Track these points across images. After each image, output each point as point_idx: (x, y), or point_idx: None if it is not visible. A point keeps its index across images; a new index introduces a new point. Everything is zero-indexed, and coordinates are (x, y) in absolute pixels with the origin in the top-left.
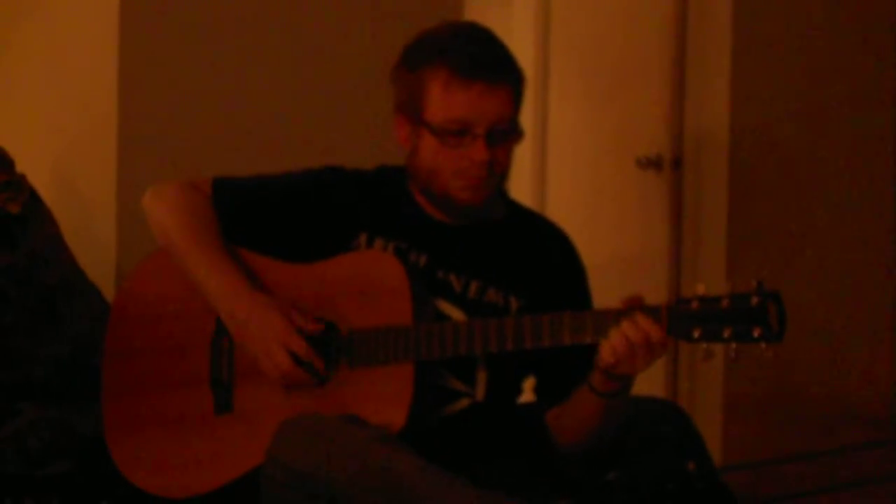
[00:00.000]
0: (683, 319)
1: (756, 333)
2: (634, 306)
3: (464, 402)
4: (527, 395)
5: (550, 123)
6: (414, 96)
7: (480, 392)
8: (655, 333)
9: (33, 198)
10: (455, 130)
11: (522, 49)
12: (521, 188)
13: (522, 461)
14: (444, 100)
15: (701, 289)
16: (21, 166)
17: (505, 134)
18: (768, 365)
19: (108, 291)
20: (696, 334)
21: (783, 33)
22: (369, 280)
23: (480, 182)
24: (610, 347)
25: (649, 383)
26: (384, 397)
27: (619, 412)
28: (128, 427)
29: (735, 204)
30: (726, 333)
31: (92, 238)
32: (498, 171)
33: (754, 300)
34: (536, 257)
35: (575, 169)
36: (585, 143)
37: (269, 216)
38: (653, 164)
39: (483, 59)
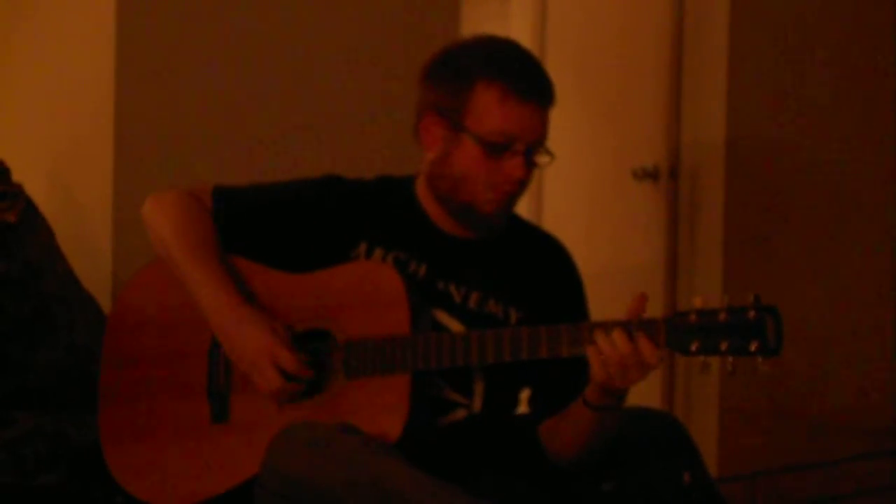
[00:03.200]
0: (681, 332)
1: (753, 347)
2: (633, 320)
3: (461, 414)
4: (523, 407)
5: (547, 133)
6: (459, 103)
7: (478, 403)
8: (648, 351)
9: (29, 207)
10: (499, 143)
11: None
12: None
13: (519, 473)
14: (497, 113)
15: (699, 302)
16: (17, 175)
17: (538, 154)
18: (764, 376)
19: (105, 301)
20: (693, 347)
21: (779, 44)
22: (367, 290)
23: (509, 198)
24: (601, 363)
25: (645, 394)
26: (381, 407)
27: (612, 429)
28: (124, 436)
29: (731, 214)
30: (723, 347)
31: (88, 247)
32: (524, 189)
33: (752, 314)
34: (536, 270)
35: (572, 180)
36: (582, 154)
37: (268, 225)
38: (649, 174)
39: (538, 82)
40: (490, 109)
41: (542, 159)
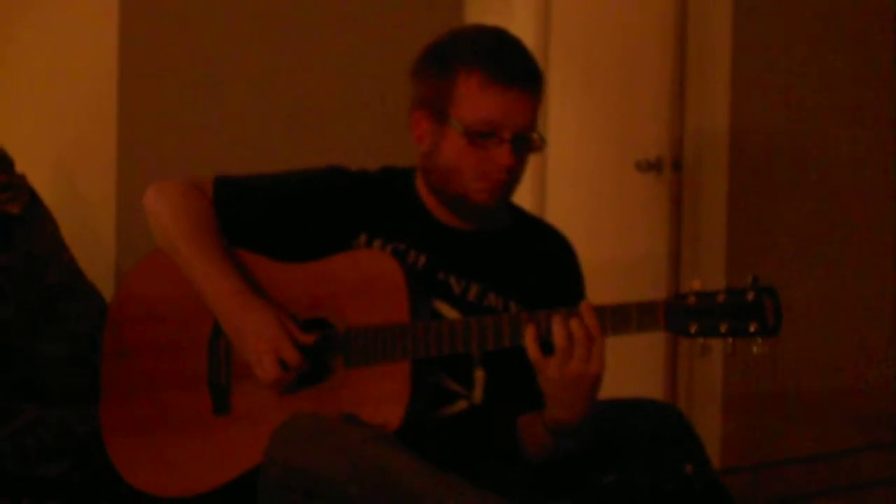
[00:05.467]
0: (680, 314)
1: (752, 328)
2: (629, 304)
3: (461, 405)
4: None
5: (551, 126)
6: (442, 94)
7: (478, 394)
8: (577, 328)
9: (33, 198)
10: (484, 132)
11: None
12: (521, 191)
13: (520, 464)
14: (479, 100)
15: (697, 284)
16: (21, 166)
17: (528, 141)
18: (767, 365)
19: (108, 291)
20: (692, 329)
21: (783, 36)
22: (366, 278)
23: (499, 186)
24: (557, 364)
25: (648, 384)
26: (381, 396)
27: (573, 448)
28: (125, 428)
29: (735, 206)
30: (723, 328)
31: (91, 238)
32: (516, 177)
33: (750, 295)
34: (537, 264)
35: (575, 172)
36: (586, 146)
37: (269, 215)
38: (653, 166)
39: (521, 67)
40: (472, 98)
41: (534, 145)
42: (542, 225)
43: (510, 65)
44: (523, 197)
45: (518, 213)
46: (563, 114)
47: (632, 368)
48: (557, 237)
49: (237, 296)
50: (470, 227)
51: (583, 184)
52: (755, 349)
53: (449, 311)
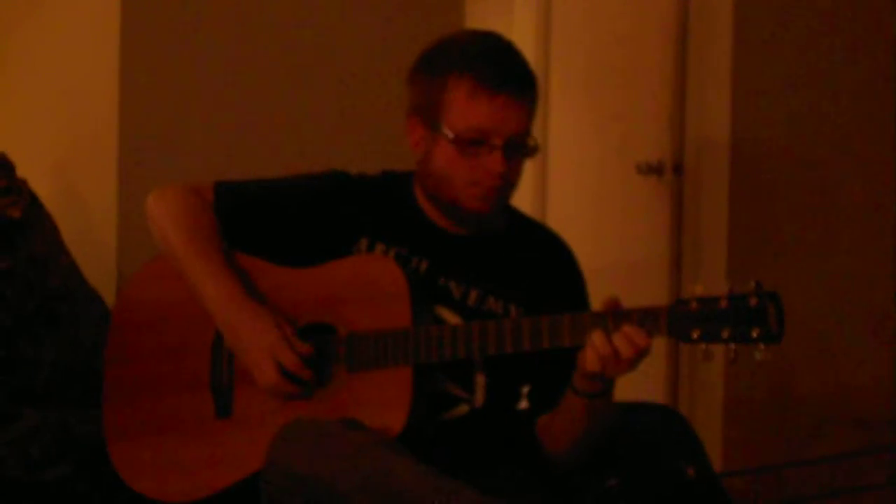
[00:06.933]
0: (682, 320)
1: (755, 334)
2: (630, 310)
3: (463, 409)
4: (524, 402)
5: (552, 129)
6: (433, 101)
7: (479, 398)
8: (641, 340)
9: (34, 203)
10: (474, 139)
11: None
12: (522, 194)
13: (522, 469)
14: (468, 108)
15: (699, 290)
16: (22, 171)
17: (521, 147)
18: (768, 369)
19: (109, 297)
20: (694, 335)
21: (784, 39)
22: (368, 283)
23: (493, 193)
24: (596, 356)
25: (650, 388)
26: (383, 401)
27: (604, 419)
28: (128, 432)
29: (736, 209)
30: (725, 334)
31: (93, 243)
32: (511, 183)
33: (753, 301)
34: (537, 268)
35: (576, 175)
36: (586, 149)
37: (270, 220)
38: (654, 170)
39: (510, 73)
40: (461, 105)
41: (527, 151)
42: (540, 228)
43: (499, 70)
44: (524, 200)
45: (516, 216)
46: (564, 117)
47: (634, 373)
48: (555, 240)
49: (235, 301)
50: (467, 232)
51: (584, 187)
52: (758, 355)
53: (450, 316)
